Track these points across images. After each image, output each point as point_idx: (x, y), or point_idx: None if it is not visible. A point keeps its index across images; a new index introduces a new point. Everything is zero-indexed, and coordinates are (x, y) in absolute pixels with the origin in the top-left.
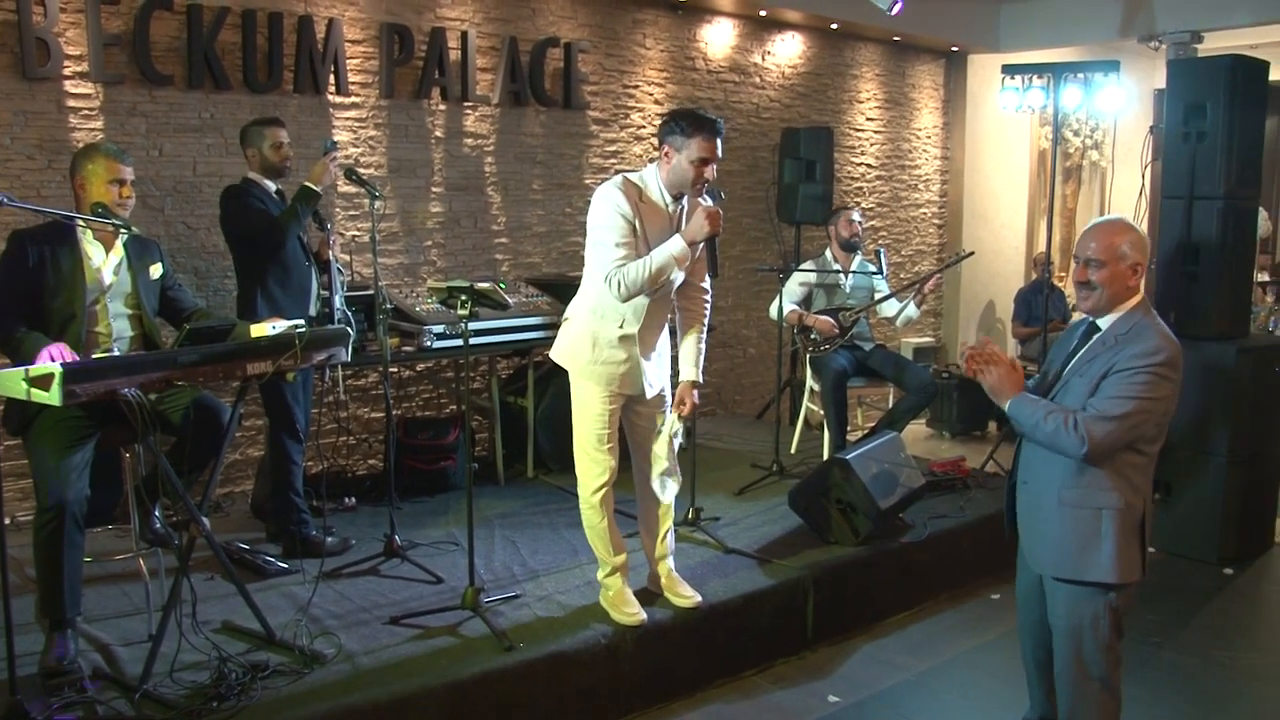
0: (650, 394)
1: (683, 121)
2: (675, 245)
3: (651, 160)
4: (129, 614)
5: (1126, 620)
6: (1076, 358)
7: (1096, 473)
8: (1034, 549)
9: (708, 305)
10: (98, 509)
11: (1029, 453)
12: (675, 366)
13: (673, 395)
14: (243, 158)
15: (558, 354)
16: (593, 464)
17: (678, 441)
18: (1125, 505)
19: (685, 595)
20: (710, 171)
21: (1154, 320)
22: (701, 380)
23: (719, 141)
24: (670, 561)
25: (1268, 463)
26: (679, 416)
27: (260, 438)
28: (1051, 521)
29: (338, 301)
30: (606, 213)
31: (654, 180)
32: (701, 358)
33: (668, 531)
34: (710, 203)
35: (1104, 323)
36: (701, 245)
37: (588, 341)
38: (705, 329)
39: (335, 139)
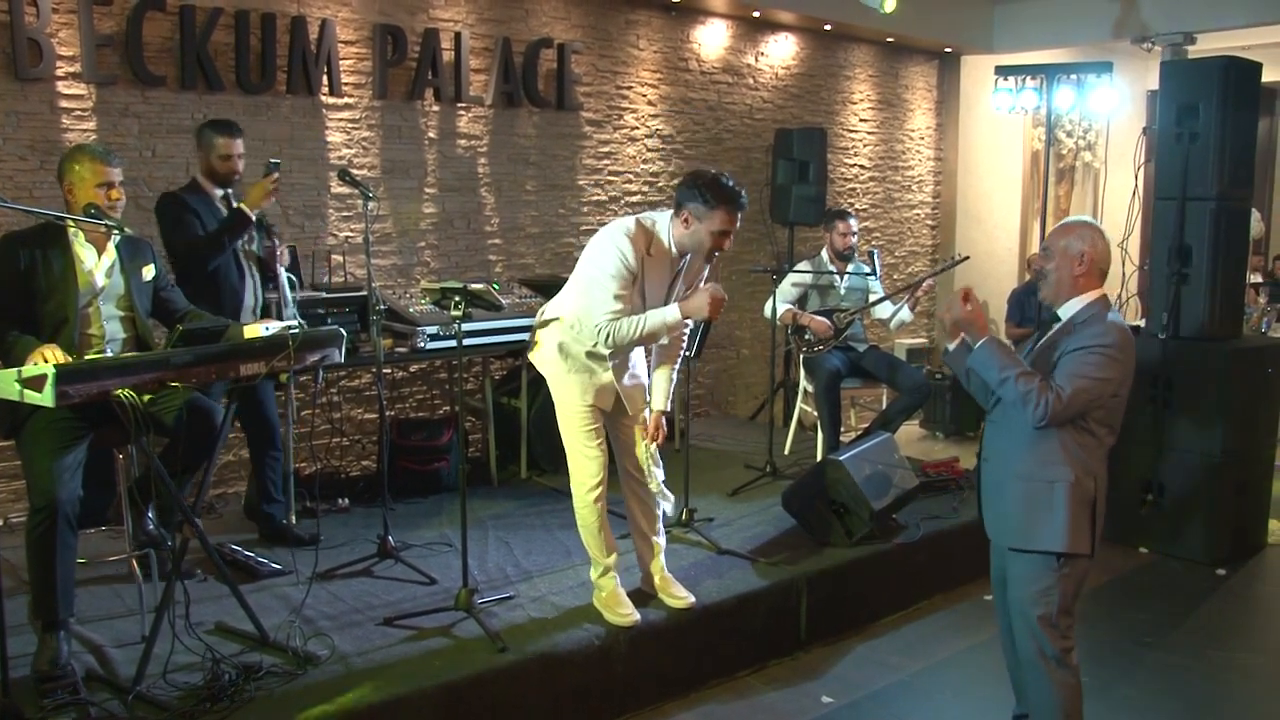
0: (628, 415)
1: (708, 192)
2: (671, 314)
3: (663, 208)
4: (122, 615)
5: (1078, 601)
6: (1039, 345)
7: (1049, 447)
8: (993, 521)
9: (684, 341)
10: (91, 510)
11: (991, 430)
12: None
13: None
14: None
15: (537, 358)
16: (587, 462)
17: (658, 471)
18: (1076, 480)
19: (679, 596)
20: (727, 244)
21: (1109, 312)
22: (669, 410)
23: (740, 216)
24: (662, 561)
25: (1260, 464)
26: (647, 444)
27: None
28: (1007, 495)
29: (289, 314)
30: (612, 261)
31: (666, 233)
32: (672, 387)
33: (659, 532)
34: (717, 288)
35: (1064, 312)
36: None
37: (561, 351)
38: (679, 362)
39: (277, 160)
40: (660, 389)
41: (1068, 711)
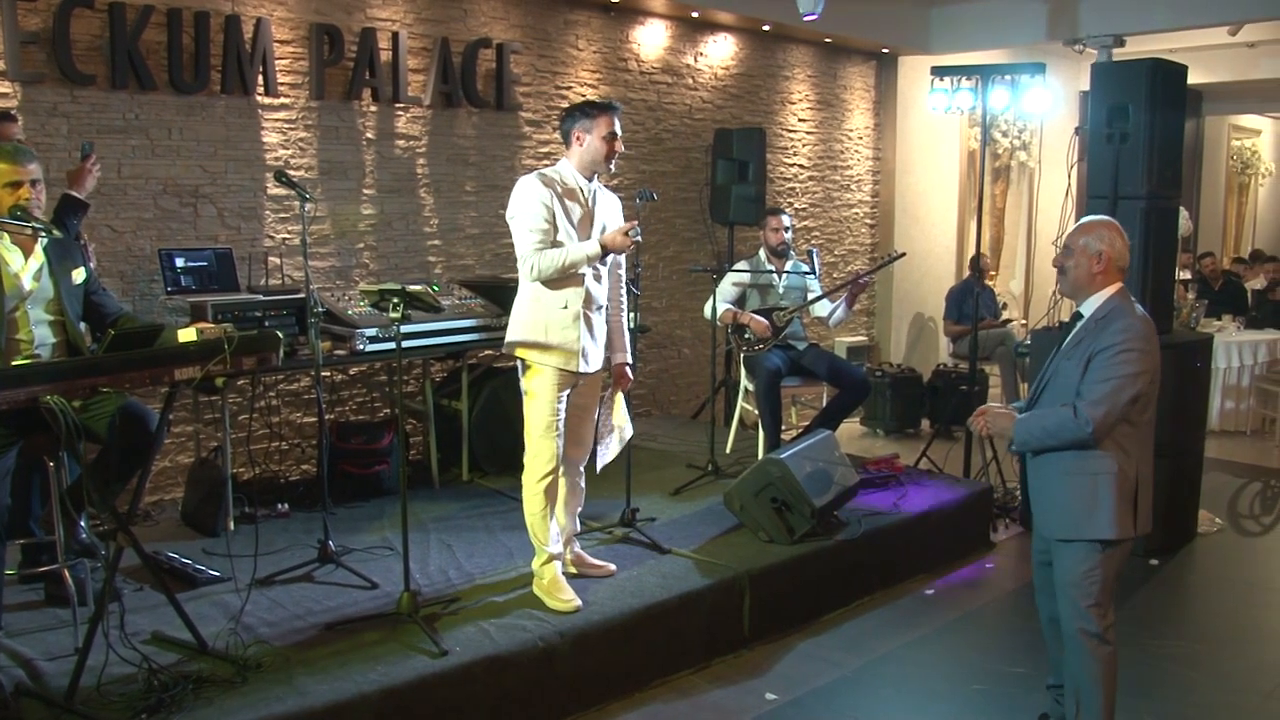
0: (592, 369)
1: (586, 107)
2: (591, 247)
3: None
4: (54, 627)
5: (1119, 579)
6: (1065, 342)
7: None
8: (1042, 514)
9: (624, 297)
10: (20, 520)
11: None
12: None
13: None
14: (169, 159)
15: (511, 344)
16: (545, 447)
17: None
18: (1119, 470)
19: (599, 565)
20: (618, 145)
21: (1129, 304)
22: (631, 361)
23: (618, 119)
24: (576, 544)
25: (1190, 456)
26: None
27: (190, 444)
28: (1055, 489)
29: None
30: (527, 200)
31: (569, 170)
32: (627, 340)
33: (577, 516)
34: (636, 231)
35: (1086, 309)
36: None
37: (540, 327)
38: (625, 312)
39: (92, 141)
40: (619, 342)
41: (1108, 685)
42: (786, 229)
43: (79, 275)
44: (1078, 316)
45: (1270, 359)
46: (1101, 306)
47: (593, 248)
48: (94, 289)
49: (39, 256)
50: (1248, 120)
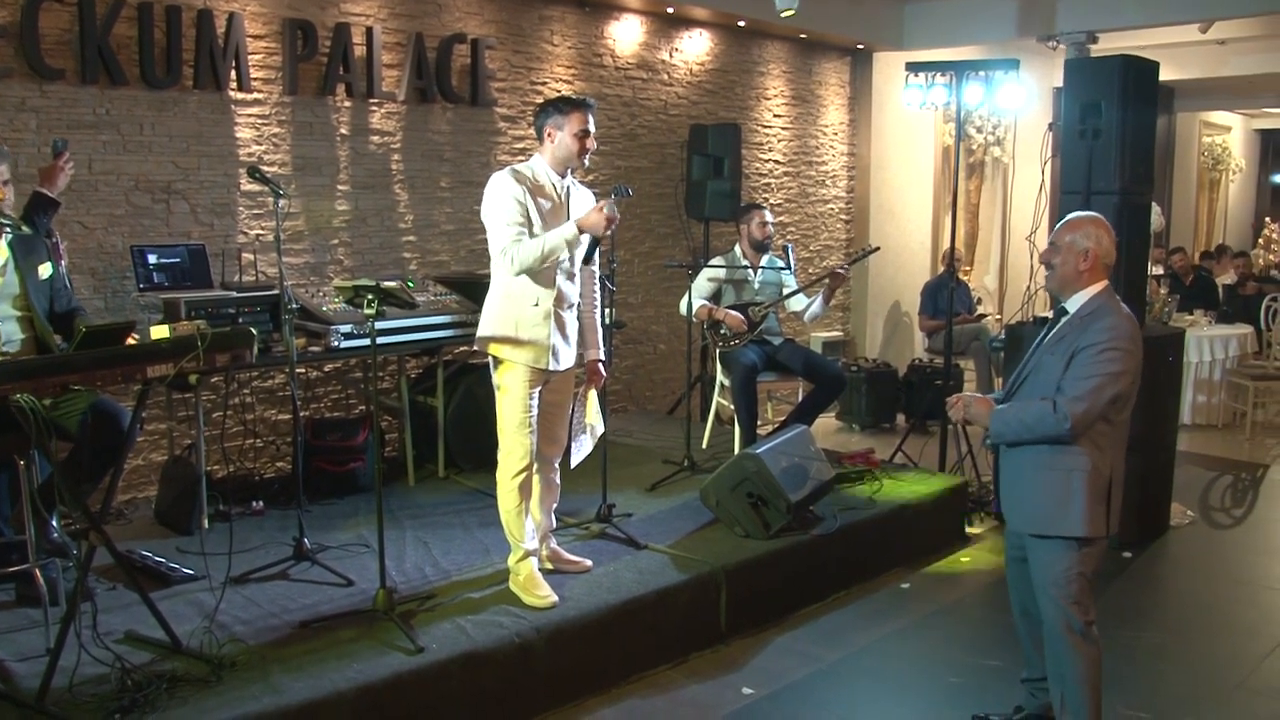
0: (563, 367)
1: (558, 104)
2: (568, 230)
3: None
4: (25, 628)
5: (1098, 575)
6: (1049, 337)
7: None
8: (1013, 509)
9: (597, 292)
10: None
11: None
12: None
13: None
14: (141, 155)
15: (482, 339)
16: (516, 446)
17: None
18: (1093, 468)
19: (576, 561)
20: (590, 142)
21: (1115, 303)
22: (605, 358)
23: (591, 117)
24: (553, 540)
25: (1162, 449)
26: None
27: (163, 442)
28: (1028, 483)
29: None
30: (500, 195)
31: (541, 166)
32: (600, 336)
33: (552, 512)
34: (610, 207)
35: (1071, 305)
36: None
37: (510, 324)
38: (599, 308)
39: (65, 139)
40: (592, 338)
41: (1092, 682)
42: (770, 224)
43: (45, 270)
44: (1061, 312)
45: (1240, 353)
46: (1087, 304)
47: (569, 230)
48: (57, 285)
49: (3, 252)
50: (1218, 117)
